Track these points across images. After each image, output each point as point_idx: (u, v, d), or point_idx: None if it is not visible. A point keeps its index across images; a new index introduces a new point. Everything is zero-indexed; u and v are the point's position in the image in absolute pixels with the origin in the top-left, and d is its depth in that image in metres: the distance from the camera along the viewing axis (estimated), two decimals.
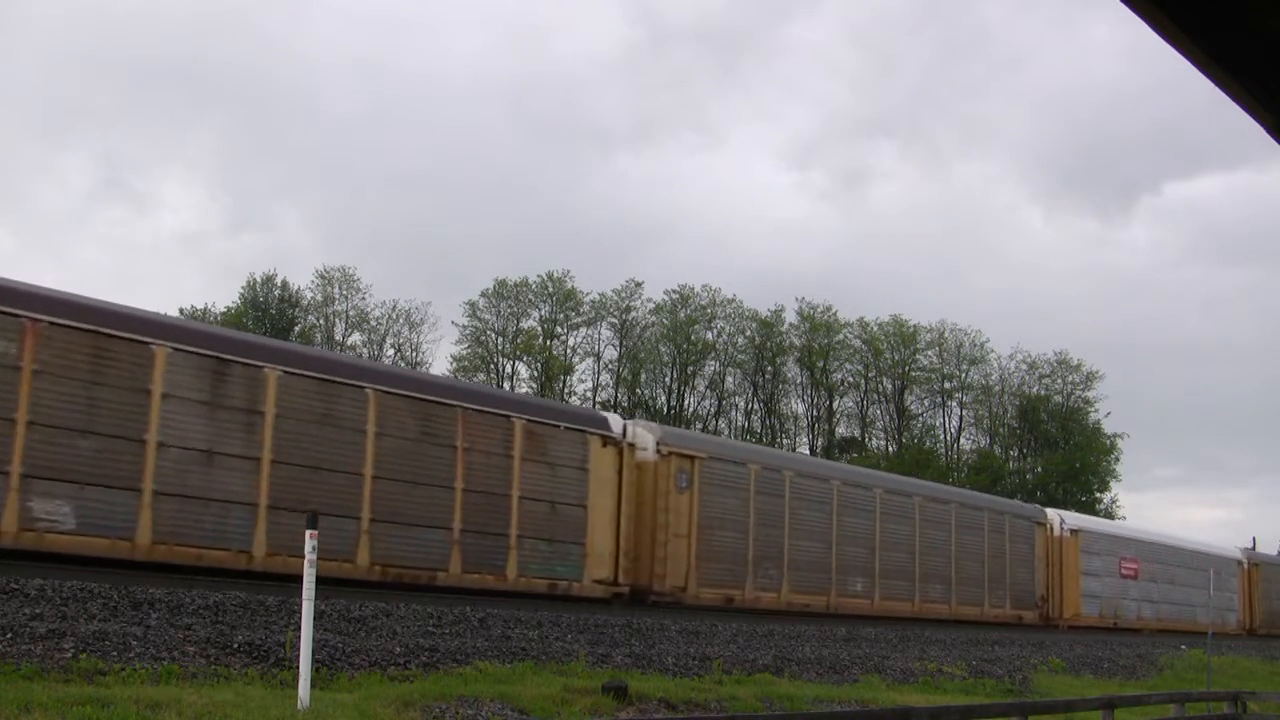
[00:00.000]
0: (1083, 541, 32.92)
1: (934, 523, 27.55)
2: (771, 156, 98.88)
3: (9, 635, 10.99)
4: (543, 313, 66.29)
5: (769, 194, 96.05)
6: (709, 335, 67.72)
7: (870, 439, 70.71)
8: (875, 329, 69.77)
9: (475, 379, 61.98)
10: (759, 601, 22.17)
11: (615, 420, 21.24)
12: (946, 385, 71.25)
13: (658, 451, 20.92)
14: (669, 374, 67.71)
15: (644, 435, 21.09)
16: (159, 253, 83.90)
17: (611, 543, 19.92)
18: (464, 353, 65.24)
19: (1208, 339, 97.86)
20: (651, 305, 67.17)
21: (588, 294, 66.17)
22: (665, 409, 66.05)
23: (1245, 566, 41.88)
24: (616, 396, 66.71)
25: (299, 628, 10.89)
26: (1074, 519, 34.52)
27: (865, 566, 25.09)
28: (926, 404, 72.10)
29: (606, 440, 20.20)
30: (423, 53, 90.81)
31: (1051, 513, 33.62)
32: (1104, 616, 33.17)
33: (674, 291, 67.06)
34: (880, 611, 25.13)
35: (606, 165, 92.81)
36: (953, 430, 72.40)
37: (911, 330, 69.60)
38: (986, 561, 28.95)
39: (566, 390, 64.95)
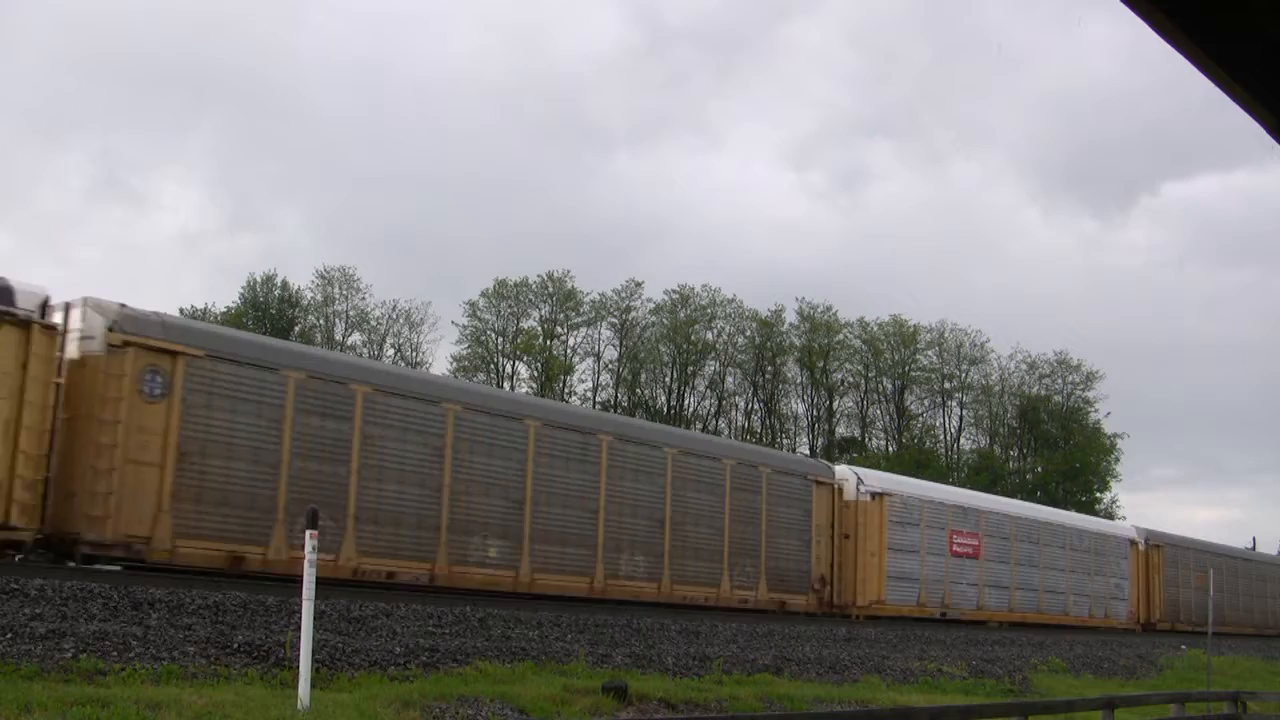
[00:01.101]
0: (891, 509, 26.00)
1: (637, 471, 20.82)
2: (770, 157, 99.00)
3: (9, 635, 10.99)
4: (543, 313, 66.30)
5: (768, 194, 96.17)
6: (709, 335, 67.72)
7: (870, 439, 70.72)
8: (875, 329, 69.79)
9: (475, 379, 61.99)
10: (295, 565, 13.38)
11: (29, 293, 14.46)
12: (946, 385, 71.26)
13: (110, 343, 14.88)
14: (669, 374, 67.71)
15: (93, 319, 15.03)
16: (158, 253, 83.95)
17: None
18: (464, 353, 65.29)
19: (1207, 339, 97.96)
20: (651, 305, 67.21)
21: (588, 294, 66.21)
22: (665, 409, 66.05)
23: (1142, 548, 36.27)
24: (616, 396, 66.73)
25: (299, 628, 10.89)
26: (878, 479, 27.37)
27: (508, 525, 18.87)
28: (926, 404, 72.13)
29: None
30: (422, 53, 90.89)
31: (844, 470, 26.98)
32: (924, 605, 26.67)
33: (674, 291, 67.11)
34: (533, 588, 19.06)
35: (606, 165, 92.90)
36: (953, 430, 72.44)
37: (911, 330, 69.61)
38: (730, 528, 22.28)
39: (566, 390, 64.99)
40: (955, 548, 28.08)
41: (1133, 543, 35.90)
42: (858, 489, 25.92)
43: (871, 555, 25.46)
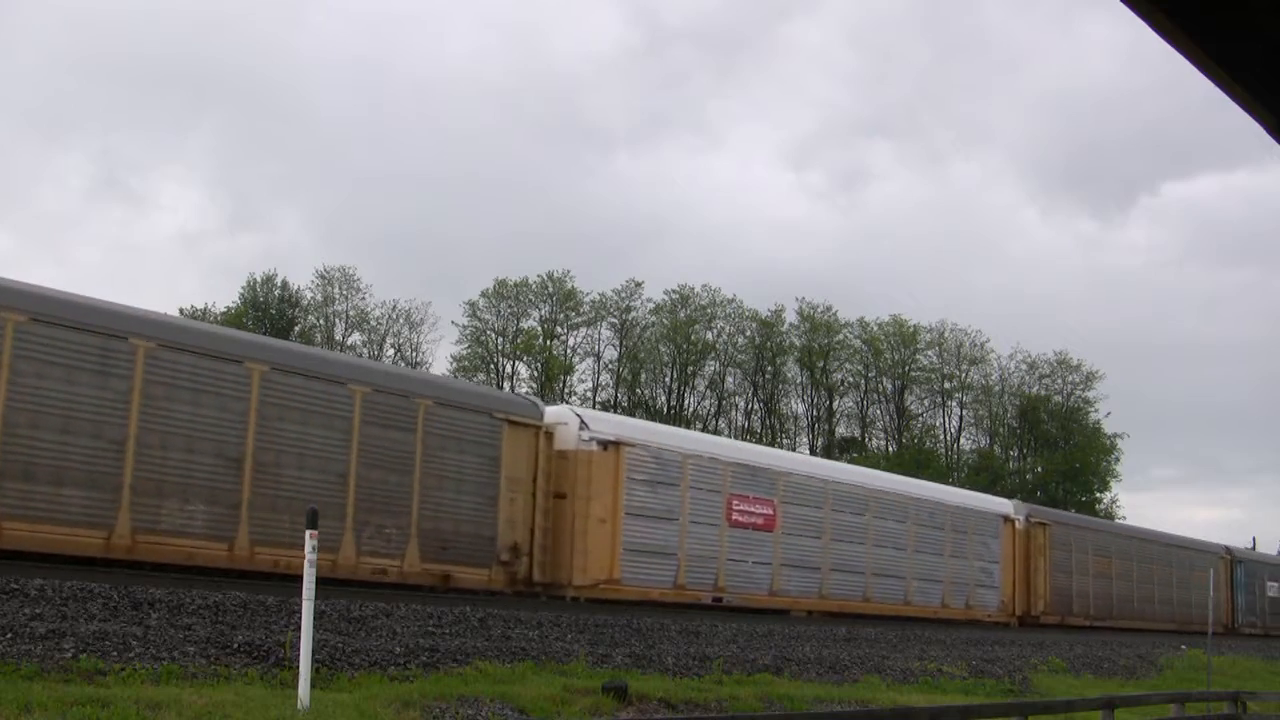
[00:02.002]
0: (633, 463, 20.53)
1: (199, 393, 15.60)
2: (770, 157, 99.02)
3: (9, 635, 10.99)
4: (543, 313, 66.34)
5: (768, 194, 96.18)
6: (709, 335, 67.76)
7: (870, 439, 70.77)
8: (875, 329, 69.81)
9: (475, 379, 61.99)
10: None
11: None
12: (946, 385, 71.29)
13: None
14: (669, 374, 67.74)
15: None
16: (157, 253, 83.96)
17: None
18: (464, 353, 65.30)
19: (1207, 339, 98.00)
20: (651, 305, 67.27)
21: (588, 294, 66.26)
22: (665, 409, 66.06)
23: (1021, 525, 30.75)
24: (616, 396, 66.73)
25: (299, 628, 10.89)
26: (612, 424, 22.03)
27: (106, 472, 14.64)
28: (926, 404, 72.19)
29: None
30: (421, 52, 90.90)
31: (561, 411, 21.42)
32: (685, 588, 21.36)
33: (674, 291, 67.15)
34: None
35: (606, 165, 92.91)
36: (953, 430, 72.49)
37: (911, 330, 69.64)
38: (356, 474, 16.99)
39: (566, 390, 65.00)
40: (736, 516, 22.40)
41: (1007, 519, 30.05)
42: (580, 435, 20.08)
43: (600, 521, 19.83)
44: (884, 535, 26.19)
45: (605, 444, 20.31)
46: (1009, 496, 51.14)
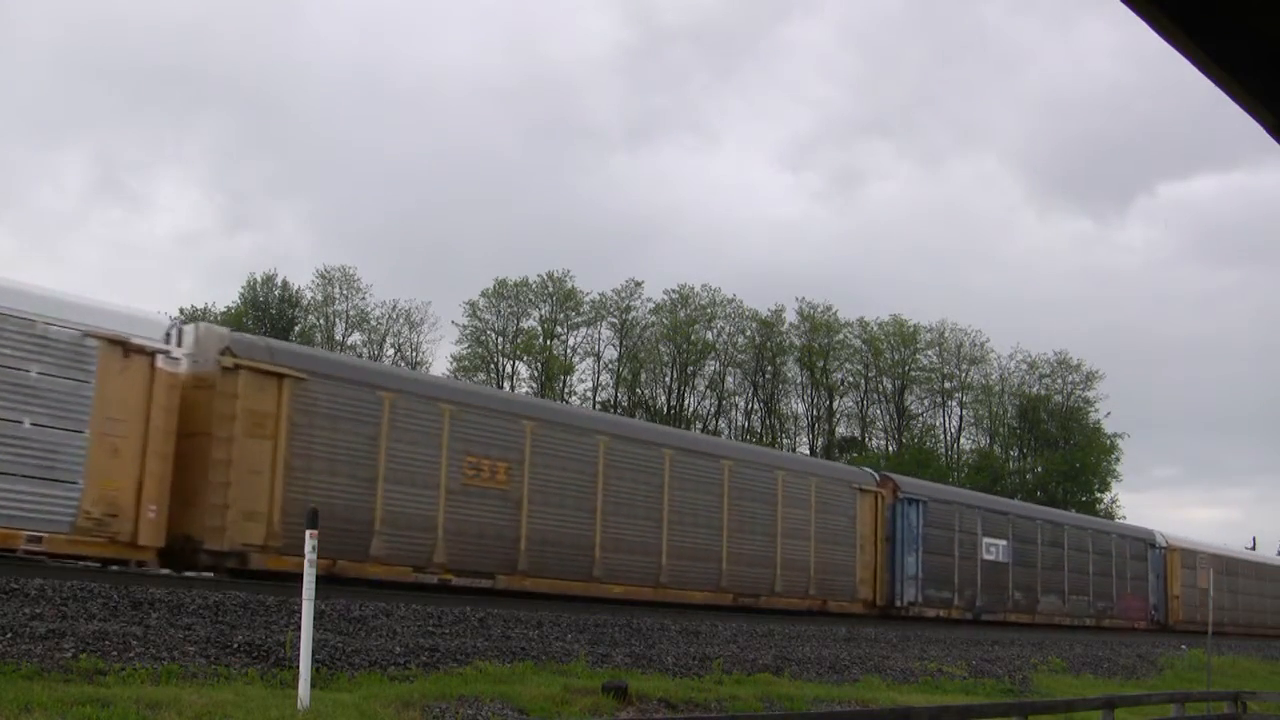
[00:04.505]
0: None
1: None
2: (769, 157, 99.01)
3: (9, 635, 10.99)
4: (543, 313, 66.31)
5: (767, 194, 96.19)
6: (709, 335, 67.74)
7: (870, 439, 70.75)
8: (875, 329, 69.81)
9: (475, 379, 61.98)
10: None
11: None
12: (946, 385, 71.29)
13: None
14: (669, 374, 67.72)
15: None
16: (156, 253, 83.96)
17: None
18: (464, 353, 65.30)
19: (1206, 339, 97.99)
20: (651, 305, 67.26)
21: (588, 294, 66.24)
22: (665, 409, 66.06)
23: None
24: (616, 396, 66.73)
25: (299, 628, 10.89)
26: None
27: None
28: (926, 404, 72.18)
29: None
30: (419, 53, 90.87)
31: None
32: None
33: (674, 291, 67.14)
34: None
35: (605, 165, 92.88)
36: (953, 430, 72.47)
37: (911, 330, 69.63)
38: None
39: (566, 390, 65.00)
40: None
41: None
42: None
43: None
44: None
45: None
46: (1009, 496, 51.16)
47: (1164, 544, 37.90)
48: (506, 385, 62.41)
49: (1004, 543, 30.07)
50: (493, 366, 65.53)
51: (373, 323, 65.62)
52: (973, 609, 28.79)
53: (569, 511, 19.66)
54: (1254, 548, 49.02)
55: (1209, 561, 32.29)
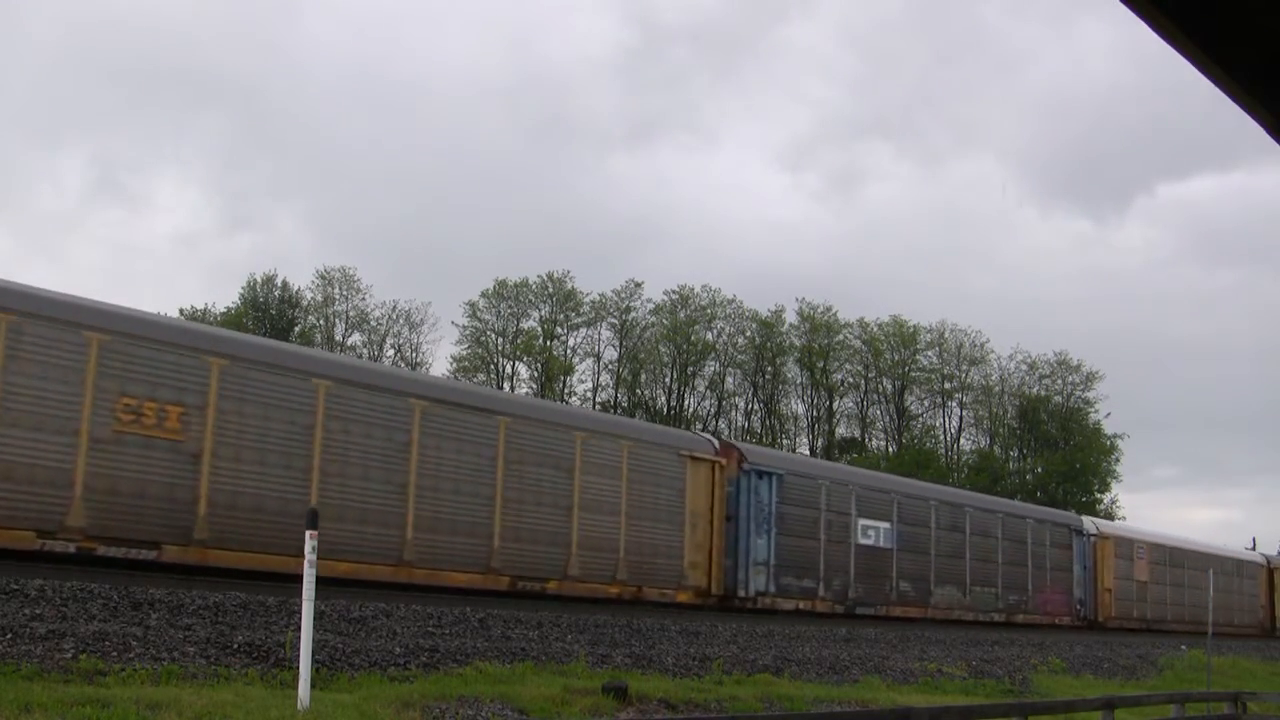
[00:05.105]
0: None
1: None
2: (768, 157, 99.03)
3: (9, 635, 11.00)
4: (543, 313, 66.31)
5: (766, 195, 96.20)
6: (709, 335, 67.74)
7: (870, 439, 70.76)
8: (875, 329, 69.83)
9: (475, 379, 61.97)
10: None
11: None
12: (946, 385, 71.28)
13: None
14: (669, 374, 67.72)
15: None
16: (155, 254, 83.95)
17: None
18: (464, 353, 65.31)
19: (1205, 339, 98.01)
20: (651, 306, 67.27)
21: (588, 294, 66.24)
22: (665, 409, 66.06)
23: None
24: (616, 397, 66.73)
25: (299, 628, 10.89)
26: None
27: None
28: (926, 404, 72.16)
29: None
30: (419, 53, 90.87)
31: None
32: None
33: (674, 292, 67.15)
34: None
35: (604, 165, 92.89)
36: (953, 430, 72.46)
37: (911, 330, 69.65)
38: None
39: (566, 391, 64.99)
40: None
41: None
42: None
43: None
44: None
45: None
46: (1009, 497, 51.01)
47: (1094, 531, 34.38)
48: (506, 386, 62.34)
49: (886, 525, 26.07)
50: (493, 367, 65.57)
51: (373, 323, 65.68)
52: (844, 601, 24.69)
53: (273, 470, 16.06)
54: (1254, 548, 48.87)
55: (1147, 550, 29.75)
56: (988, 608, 29.31)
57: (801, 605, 23.56)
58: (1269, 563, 44.18)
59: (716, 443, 23.44)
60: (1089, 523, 35.05)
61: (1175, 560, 37.58)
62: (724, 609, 22.04)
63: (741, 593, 22.44)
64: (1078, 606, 32.82)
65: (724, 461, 22.57)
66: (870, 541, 25.60)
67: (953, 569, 28.20)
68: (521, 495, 18.91)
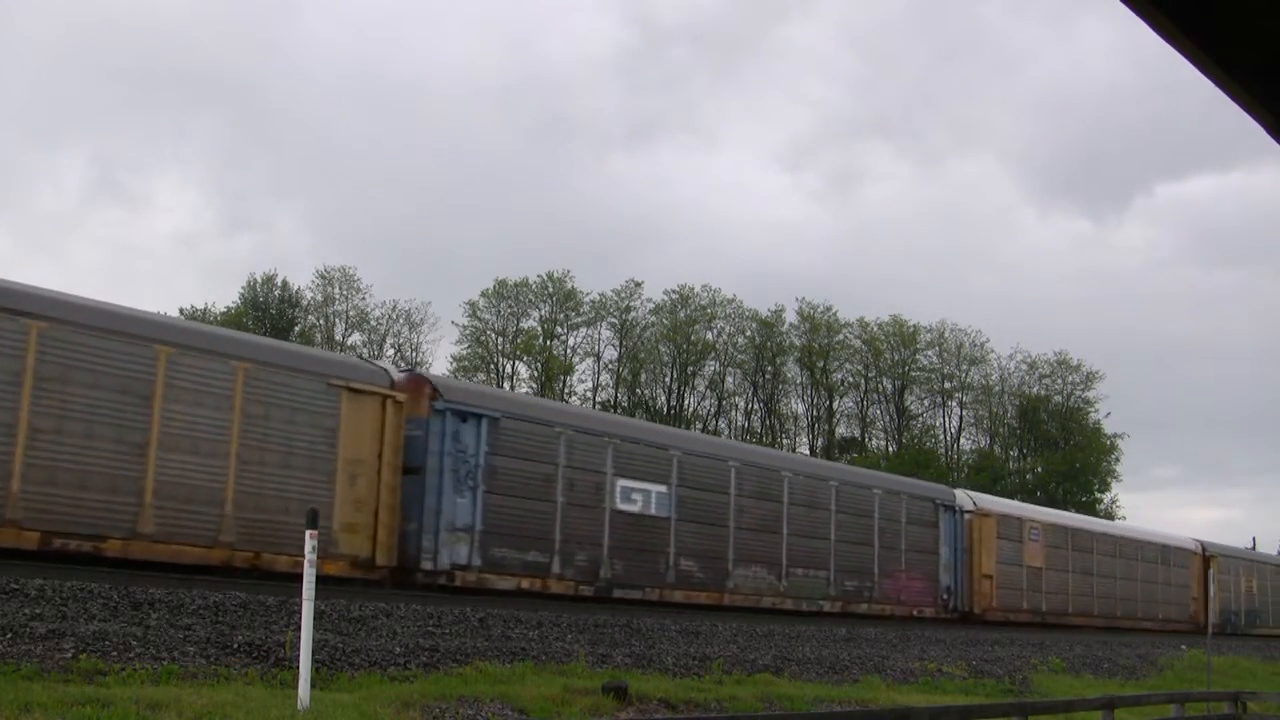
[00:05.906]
0: None
1: None
2: (768, 157, 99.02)
3: (9, 635, 10.99)
4: (543, 313, 66.32)
5: (766, 195, 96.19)
6: (709, 335, 67.76)
7: (870, 439, 70.78)
8: (875, 329, 69.83)
9: (475, 379, 61.94)
10: None
11: None
12: (946, 385, 71.30)
13: None
14: (669, 374, 67.73)
15: None
16: (155, 254, 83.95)
17: None
18: (464, 353, 65.31)
19: (1205, 339, 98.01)
20: (651, 305, 67.28)
21: (587, 294, 66.24)
22: (665, 409, 66.06)
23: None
24: (616, 396, 66.73)
25: (299, 628, 10.89)
26: None
27: None
28: (926, 404, 72.19)
29: None
30: (418, 53, 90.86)
31: None
32: None
33: (674, 292, 67.16)
34: None
35: (604, 165, 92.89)
36: (953, 430, 72.49)
37: (911, 330, 69.65)
38: None
39: (566, 390, 64.98)
40: None
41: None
42: None
43: None
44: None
45: None
46: (1009, 497, 50.89)
47: (970, 507, 28.84)
48: (506, 386, 62.33)
49: (661, 489, 20.99)
50: (492, 367, 65.57)
51: (373, 323, 65.69)
52: (593, 581, 19.86)
53: None
54: (1254, 548, 48.81)
55: (1042, 532, 25.82)
56: (814, 595, 24.43)
57: (526, 584, 18.80)
58: (1203, 549, 38.87)
59: (395, 373, 18.79)
60: (964, 497, 29.58)
61: (1080, 544, 32.51)
62: (401, 585, 17.37)
63: (428, 565, 17.54)
64: (944, 596, 27.68)
65: (401, 397, 17.76)
66: (635, 508, 20.61)
67: (762, 546, 23.22)
68: (60, 428, 14.17)
